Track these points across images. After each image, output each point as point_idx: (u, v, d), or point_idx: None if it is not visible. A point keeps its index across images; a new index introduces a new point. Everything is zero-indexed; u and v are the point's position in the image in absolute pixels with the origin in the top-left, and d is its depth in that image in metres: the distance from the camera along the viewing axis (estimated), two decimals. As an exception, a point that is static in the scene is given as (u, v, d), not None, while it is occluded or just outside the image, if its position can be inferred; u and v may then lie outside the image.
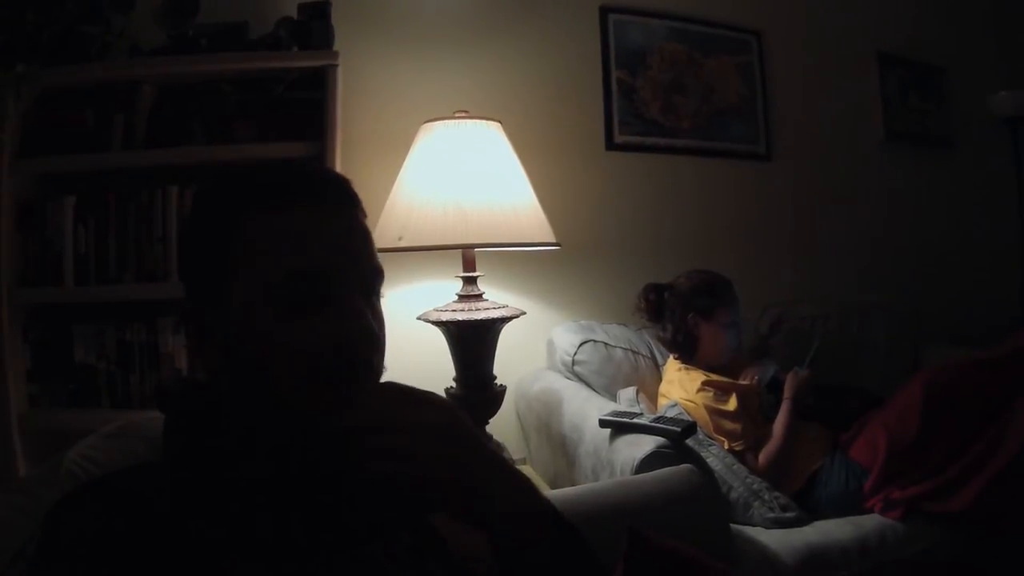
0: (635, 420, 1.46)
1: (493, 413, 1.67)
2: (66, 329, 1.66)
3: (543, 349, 2.05)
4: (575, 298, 2.16)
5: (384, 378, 0.61)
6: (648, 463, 1.31)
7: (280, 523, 0.57)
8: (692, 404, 1.67)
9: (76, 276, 1.63)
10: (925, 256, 2.70)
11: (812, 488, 1.60)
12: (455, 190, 1.56)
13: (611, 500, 1.11)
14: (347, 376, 0.57)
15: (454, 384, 1.67)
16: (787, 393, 1.73)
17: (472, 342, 1.62)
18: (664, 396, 1.78)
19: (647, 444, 1.35)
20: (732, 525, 1.31)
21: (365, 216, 0.66)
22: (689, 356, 1.81)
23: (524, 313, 1.66)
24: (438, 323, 1.60)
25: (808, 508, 1.54)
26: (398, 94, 2.01)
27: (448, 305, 1.63)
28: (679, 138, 2.36)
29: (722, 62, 2.45)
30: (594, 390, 1.84)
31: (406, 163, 1.68)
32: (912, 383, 1.58)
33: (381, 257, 0.65)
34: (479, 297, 1.65)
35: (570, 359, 1.91)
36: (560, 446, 1.68)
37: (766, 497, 1.50)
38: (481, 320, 1.57)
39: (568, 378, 1.89)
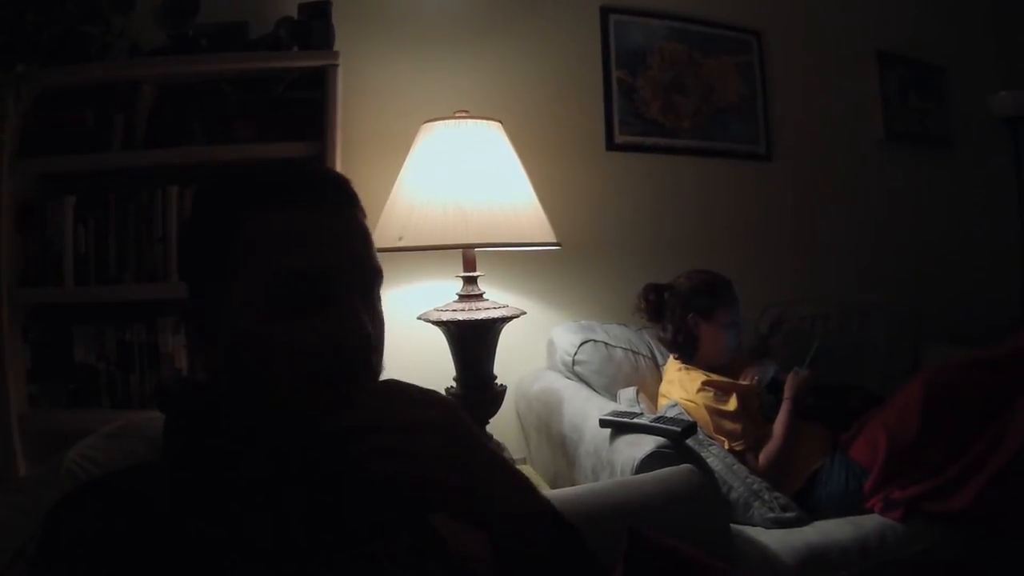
0: (635, 420, 1.46)
1: (493, 413, 1.67)
2: (66, 329, 1.66)
3: (543, 349, 2.05)
4: (575, 298, 2.16)
5: (384, 377, 0.61)
6: (648, 463, 1.31)
7: (280, 523, 0.57)
8: (692, 404, 1.67)
9: (76, 276, 1.63)
10: (925, 256, 2.70)
11: (812, 488, 1.60)
12: (455, 190, 1.56)
13: (611, 500, 1.11)
14: (347, 376, 0.57)
15: (454, 384, 1.67)
16: (787, 393, 1.73)
17: (472, 342, 1.62)
18: (664, 396, 1.78)
19: (647, 444, 1.35)
20: (732, 525, 1.31)
21: (365, 216, 0.66)
22: (689, 356, 1.81)
23: (524, 313, 1.66)
24: (438, 323, 1.60)
25: (808, 508, 1.54)
26: (398, 94, 2.01)
27: (448, 305, 1.63)
28: (679, 138, 2.36)
29: (722, 62, 2.45)
30: (594, 390, 1.84)
31: (406, 163, 1.68)
32: (912, 383, 1.58)
33: (381, 257, 0.65)
34: (479, 297, 1.65)
35: (570, 359, 1.91)
36: (560, 446, 1.68)
37: (766, 497, 1.50)
38: (481, 320, 1.57)
39: (568, 378, 1.89)
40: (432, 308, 1.63)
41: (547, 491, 1.18)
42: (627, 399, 1.77)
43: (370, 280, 0.63)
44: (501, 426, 1.79)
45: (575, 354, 1.91)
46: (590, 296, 2.17)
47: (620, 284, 2.06)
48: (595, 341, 1.93)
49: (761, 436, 1.67)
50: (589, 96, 2.26)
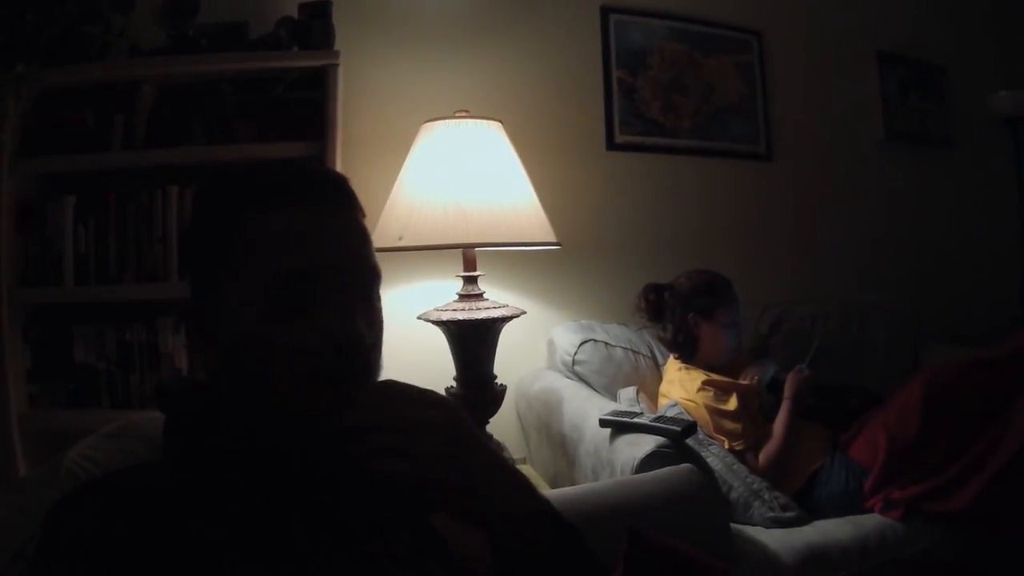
0: (635, 420, 1.46)
1: (493, 413, 1.67)
2: (66, 329, 1.66)
3: (543, 349, 2.05)
4: (575, 298, 2.16)
5: (383, 377, 0.61)
6: (648, 463, 1.31)
7: (280, 523, 0.57)
8: (692, 404, 1.68)
9: (76, 276, 1.63)
10: (925, 256, 2.70)
11: (812, 488, 1.60)
12: (455, 190, 1.56)
13: (611, 500, 1.11)
14: (347, 376, 0.57)
15: (454, 383, 1.67)
16: (787, 393, 1.73)
17: (472, 341, 1.62)
18: (664, 396, 1.78)
19: (647, 444, 1.35)
20: (732, 525, 1.31)
21: (364, 216, 0.66)
22: (689, 356, 1.81)
23: (524, 313, 1.66)
24: (438, 322, 1.60)
25: (808, 508, 1.54)
26: (398, 94, 2.01)
27: (448, 304, 1.63)
28: (679, 138, 2.36)
29: (722, 62, 2.45)
30: (594, 390, 1.84)
31: (406, 163, 1.68)
32: (912, 383, 1.58)
33: (381, 257, 0.65)
34: (479, 297, 1.65)
35: (570, 359, 1.91)
36: (560, 446, 1.68)
37: (766, 497, 1.50)
38: (481, 319, 1.57)
39: (568, 378, 1.89)
40: (432, 308, 1.63)
41: (547, 491, 1.18)
42: (627, 399, 1.77)
43: (369, 280, 0.63)
44: (501, 426, 1.79)
45: (575, 354, 1.91)
46: (590, 296, 2.17)
47: (620, 284, 2.06)
48: (595, 341, 1.93)
49: (761, 436, 1.67)
50: (589, 96, 2.26)
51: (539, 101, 2.16)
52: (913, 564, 1.40)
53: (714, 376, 1.74)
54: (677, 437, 1.38)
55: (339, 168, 1.63)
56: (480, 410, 1.64)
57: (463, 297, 1.65)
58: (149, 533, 0.51)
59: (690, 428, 1.44)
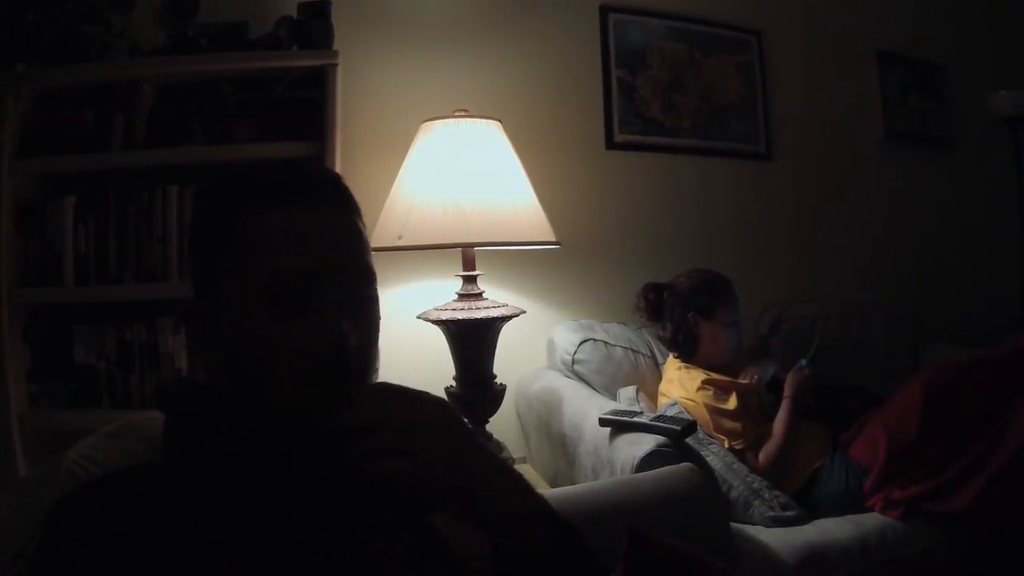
0: (635, 419, 1.46)
1: (493, 412, 1.67)
2: (66, 329, 1.66)
3: (543, 348, 2.05)
4: (575, 297, 2.16)
5: (383, 378, 0.61)
6: (648, 462, 1.31)
7: (280, 523, 0.57)
8: (692, 403, 1.68)
9: (76, 276, 1.63)
10: (925, 256, 2.70)
11: (812, 487, 1.60)
12: (455, 189, 1.56)
13: (611, 499, 1.11)
14: (347, 376, 0.57)
15: (454, 383, 1.67)
16: (787, 392, 1.73)
17: (472, 341, 1.62)
18: (664, 395, 1.79)
19: (647, 443, 1.36)
20: (732, 524, 1.31)
21: (361, 217, 0.66)
22: (689, 355, 1.81)
23: (524, 312, 1.66)
24: (438, 322, 1.60)
25: (808, 507, 1.54)
26: (398, 93, 2.01)
27: (448, 304, 1.63)
28: (679, 137, 2.36)
29: (722, 61, 2.45)
30: (594, 389, 1.84)
31: (406, 162, 1.68)
32: (912, 383, 1.58)
33: (381, 256, 0.66)
34: (479, 296, 1.65)
35: (570, 358, 1.91)
36: (560, 445, 1.68)
37: (766, 496, 1.50)
38: (481, 319, 1.57)
39: (568, 377, 1.89)
40: (432, 307, 1.63)
41: (547, 490, 1.18)
42: (627, 398, 1.77)
43: (365, 281, 0.63)
44: (501, 426, 1.79)
45: (575, 353, 1.91)
46: (590, 295, 2.17)
47: (620, 283, 2.06)
48: (595, 340, 1.93)
49: (761, 435, 1.67)
50: (589, 95, 2.26)
51: (538, 100, 2.16)
52: (913, 564, 1.40)
53: (714, 375, 1.74)
54: (677, 436, 1.38)
55: (339, 168, 1.63)
56: (480, 410, 1.64)
57: (462, 296, 1.65)
58: (149, 533, 0.51)
59: (690, 427, 1.44)
